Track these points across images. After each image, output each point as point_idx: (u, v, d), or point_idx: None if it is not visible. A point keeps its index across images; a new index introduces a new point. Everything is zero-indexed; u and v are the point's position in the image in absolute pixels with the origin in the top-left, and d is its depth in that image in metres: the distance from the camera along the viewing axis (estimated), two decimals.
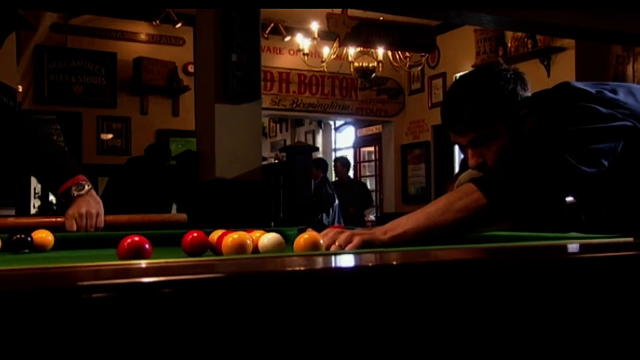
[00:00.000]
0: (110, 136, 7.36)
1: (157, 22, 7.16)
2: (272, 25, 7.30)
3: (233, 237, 1.16)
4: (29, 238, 1.50)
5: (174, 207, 4.75)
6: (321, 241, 1.23)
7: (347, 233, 1.22)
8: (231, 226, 1.78)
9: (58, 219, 1.78)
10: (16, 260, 1.32)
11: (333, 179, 8.08)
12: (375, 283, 0.71)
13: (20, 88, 6.45)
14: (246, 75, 4.01)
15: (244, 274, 0.69)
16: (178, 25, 7.10)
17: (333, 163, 8.52)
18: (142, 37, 7.48)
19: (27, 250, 1.47)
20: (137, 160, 5.28)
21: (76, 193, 1.78)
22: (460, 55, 7.55)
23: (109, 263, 0.78)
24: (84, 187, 1.79)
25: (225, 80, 3.98)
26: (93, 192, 1.81)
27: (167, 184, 4.51)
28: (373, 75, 6.79)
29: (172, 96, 7.58)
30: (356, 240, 1.20)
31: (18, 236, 1.49)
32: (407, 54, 6.72)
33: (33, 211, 5.24)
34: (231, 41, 3.97)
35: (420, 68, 7.56)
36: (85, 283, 0.60)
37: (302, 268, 0.75)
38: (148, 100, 7.47)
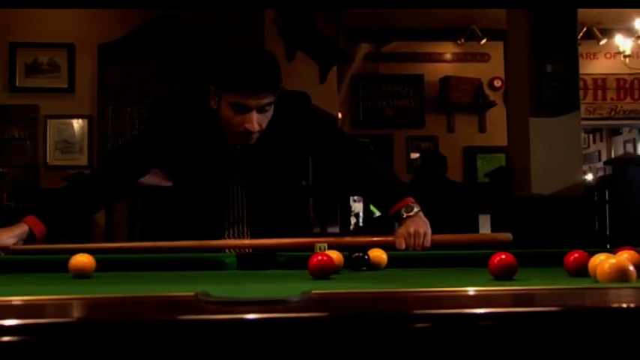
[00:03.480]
0: (418, 155, 7.62)
1: (462, 40, 7.22)
2: (584, 29, 6.80)
3: (611, 262, 1.04)
4: (366, 257, 1.59)
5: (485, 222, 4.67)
6: (631, 268, 1.04)
7: None
8: (558, 246, 1.66)
9: (389, 238, 1.86)
10: (359, 278, 1.40)
11: None
12: None
13: (340, 115, 7.07)
14: (563, 85, 3.78)
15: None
16: (483, 41, 7.07)
17: None
18: (447, 56, 7.63)
19: (364, 268, 1.56)
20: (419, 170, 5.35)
21: (405, 215, 1.84)
22: None
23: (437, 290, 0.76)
24: (413, 209, 1.84)
25: (540, 92, 3.81)
26: (421, 213, 1.86)
27: (478, 201, 4.47)
28: None
29: (478, 112, 7.55)
30: None
31: (357, 254, 1.59)
32: None
33: (351, 227, 5.67)
34: (545, 51, 3.79)
35: None
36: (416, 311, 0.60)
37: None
38: (454, 118, 7.56)
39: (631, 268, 1.01)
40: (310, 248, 1.72)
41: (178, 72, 5.53)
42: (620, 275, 0.99)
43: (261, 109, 1.76)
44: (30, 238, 1.74)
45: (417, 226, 1.81)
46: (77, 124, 5.56)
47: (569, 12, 3.85)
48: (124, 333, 0.53)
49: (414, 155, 7.61)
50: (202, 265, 1.55)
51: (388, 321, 0.55)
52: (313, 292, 0.64)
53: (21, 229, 1.73)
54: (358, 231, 5.95)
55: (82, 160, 5.51)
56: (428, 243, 1.81)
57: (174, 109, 1.94)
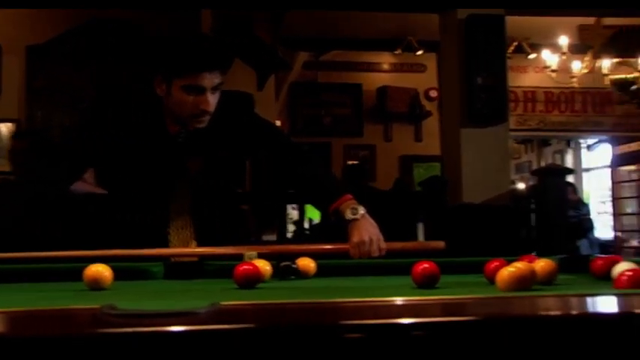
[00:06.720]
0: (356, 163, 7.68)
1: (399, 51, 7.34)
2: (515, 44, 7.03)
3: (509, 270, 1.10)
4: (294, 266, 1.59)
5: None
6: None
7: None
8: (486, 253, 1.70)
9: (343, 246, 1.78)
10: (285, 287, 1.40)
11: None
12: None
13: (278, 123, 7.06)
14: (492, 97, 3.90)
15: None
16: (419, 52, 7.19)
17: None
18: (385, 66, 7.74)
19: (293, 277, 1.56)
20: None
21: (352, 217, 1.77)
22: None
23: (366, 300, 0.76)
24: (358, 211, 1.78)
25: (471, 103, 3.91)
26: (367, 216, 1.80)
27: (412, 210, 4.53)
28: (634, 87, 6.17)
29: (415, 122, 7.68)
30: None
31: (285, 263, 1.58)
32: None
33: (289, 235, 5.65)
34: (475, 64, 3.90)
35: None
36: (345, 322, 0.60)
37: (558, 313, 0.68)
38: (391, 128, 7.67)
39: (528, 274, 1.10)
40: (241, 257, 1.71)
41: (112, 77, 5.41)
42: (518, 283, 1.07)
43: (214, 89, 1.77)
44: None
45: (370, 232, 1.75)
46: (5, 127, 5.36)
47: (498, 27, 3.98)
48: (25, 348, 0.51)
49: (352, 163, 7.67)
50: (129, 275, 1.52)
51: (294, 333, 0.55)
52: (222, 303, 0.64)
53: None
54: (297, 238, 5.93)
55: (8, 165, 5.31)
56: (384, 250, 1.78)
57: (116, 100, 1.94)
